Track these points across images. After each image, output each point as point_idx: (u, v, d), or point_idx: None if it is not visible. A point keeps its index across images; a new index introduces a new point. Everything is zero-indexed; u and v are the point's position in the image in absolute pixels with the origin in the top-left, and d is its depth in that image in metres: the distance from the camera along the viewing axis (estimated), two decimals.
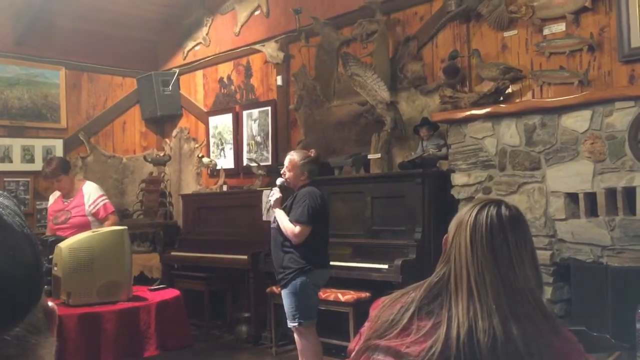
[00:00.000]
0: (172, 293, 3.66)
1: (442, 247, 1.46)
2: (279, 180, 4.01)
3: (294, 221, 3.73)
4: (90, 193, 4.45)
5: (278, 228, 3.84)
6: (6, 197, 0.64)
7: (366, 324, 1.45)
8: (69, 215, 4.38)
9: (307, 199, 3.75)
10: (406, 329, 1.32)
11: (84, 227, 4.19)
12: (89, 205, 4.41)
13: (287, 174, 3.92)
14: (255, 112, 6.35)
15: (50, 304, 0.65)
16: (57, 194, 4.53)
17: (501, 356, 1.23)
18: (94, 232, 3.45)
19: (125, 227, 3.50)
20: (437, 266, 1.42)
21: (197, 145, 7.04)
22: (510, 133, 3.94)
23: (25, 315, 0.59)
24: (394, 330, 1.33)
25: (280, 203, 3.91)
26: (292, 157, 3.95)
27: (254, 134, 6.36)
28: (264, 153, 6.24)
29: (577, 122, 3.64)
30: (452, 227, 1.44)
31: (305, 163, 3.91)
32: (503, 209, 1.39)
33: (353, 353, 1.42)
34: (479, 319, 1.26)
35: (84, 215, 4.39)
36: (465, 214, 1.41)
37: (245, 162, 6.35)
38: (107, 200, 4.53)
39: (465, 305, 1.29)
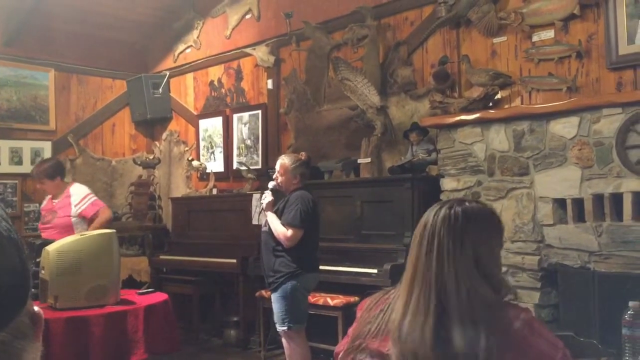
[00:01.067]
0: (160, 297, 3.65)
1: None
2: (270, 184, 4.00)
3: (286, 224, 3.73)
4: (76, 194, 4.50)
5: (269, 232, 3.83)
6: None
7: (353, 325, 1.47)
8: (54, 216, 4.41)
9: (299, 203, 3.76)
10: (388, 332, 1.35)
11: (66, 228, 4.26)
12: (75, 206, 4.44)
13: (280, 179, 3.92)
14: (245, 115, 6.35)
15: (36, 308, 0.65)
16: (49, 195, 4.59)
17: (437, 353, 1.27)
18: (81, 235, 3.44)
19: (114, 230, 3.49)
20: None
21: (187, 149, 7.02)
22: (499, 138, 3.97)
23: (11, 320, 0.59)
24: (376, 333, 1.36)
25: (272, 206, 3.91)
26: (283, 161, 3.94)
27: (244, 137, 6.35)
28: (254, 157, 6.23)
29: (565, 128, 3.67)
30: None
31: (296, 166, 3.91)
32: (452, 209, 1.42)
33: (340, 354, 1.44)
34: (409, 314, 1.33)
35: (68, 216, 4.41)
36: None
37: (235, 166, 6.34)
38: (94, 198, 4.56)
39: (403, 302, 1.36)
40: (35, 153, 6.44)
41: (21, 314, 0.61)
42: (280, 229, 3.74)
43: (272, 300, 3.84)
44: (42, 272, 3.25)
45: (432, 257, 1.36)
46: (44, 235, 4.36)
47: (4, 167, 6.29)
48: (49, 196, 4.56)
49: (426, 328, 1.28)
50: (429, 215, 1.44)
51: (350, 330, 1.46)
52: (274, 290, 3.78)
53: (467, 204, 1.44)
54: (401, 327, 1.31)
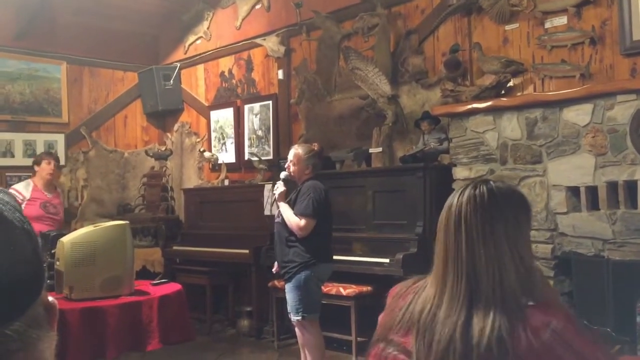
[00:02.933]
0: (174, 287, 3.67)
1: None
2: (282, 174, 4.01)
3: (299, 214, 3.74)
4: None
5: (282, 222, 3.84)
6: (6, 194, 0.65)
7: (383, 312, 1.43)
8: (59, 210, 5.04)
9: (312, 193, 3.77)
10: (412, 325, 1.30)
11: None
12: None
13: (292, 168, 3.92)
14: (256, 106, 6.35)
15: (50, 298, 0.66)
16: (30, 183, 5.03)
17: (457, 342, 1.20)
18: (96, 226, 3.46)
19: (127, 222, 3.51)
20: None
21: (198, 140, 7.04)
22: (512, 127, 3.94)
23: (25, 310, 0.60)
24: (401, 326, 1.32)
25: (285, 197, 3.91)
26: (297, 151, 3.95)
27: (255, 128, 6.36)
28: (266, 147, 6.24)
29: (578, 115, 3.63)
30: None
31: (309, 157, 3.93)
32: (476, 188, 1.32)
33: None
34: (444, 303, 1.26)
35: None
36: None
37: (246, 157, 6.35)
38: None
39: (436, 290, 1.29)
40: (49, 146, 6.48)
41: (36, 304, 0.61)
42: (293, 219, 3.75)
43: (286, 290, 3.85)
44: (57, 263, 3.28)
45: (462, 241, 1.27)
46: (43, 226, 4.59)
47: (18, 160, 6.35)
48: (30, 184, 4.97)
49: (460, 317, 1.21)
50: (453, 197, 1.34)
51: (381, 318, 1.42)
52: (288, 280, 3.79)
53: (492, 182, 1.35)
54: (435, 316, 1.24)
